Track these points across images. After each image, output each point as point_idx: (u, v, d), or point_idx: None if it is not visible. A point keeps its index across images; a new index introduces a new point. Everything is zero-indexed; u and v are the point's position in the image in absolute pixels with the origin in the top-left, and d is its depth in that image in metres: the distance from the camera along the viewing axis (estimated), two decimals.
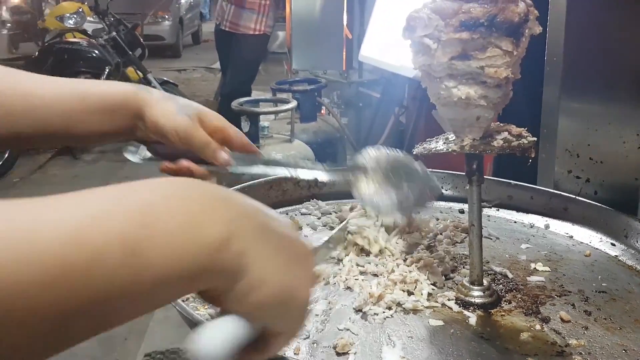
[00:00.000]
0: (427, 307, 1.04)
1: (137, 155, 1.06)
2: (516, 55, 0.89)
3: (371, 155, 1.04)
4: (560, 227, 1.39)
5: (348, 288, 1.10)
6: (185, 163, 1.01)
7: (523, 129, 1.04)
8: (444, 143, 1.06)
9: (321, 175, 1.08)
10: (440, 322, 1.00)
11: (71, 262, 0.42)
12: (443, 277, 1.14)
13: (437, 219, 1.42)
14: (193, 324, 0.93)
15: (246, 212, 0.55)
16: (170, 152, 1.02)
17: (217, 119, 1.03)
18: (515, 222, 1.45)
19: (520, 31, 0.88)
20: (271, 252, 0.55)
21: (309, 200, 1.52)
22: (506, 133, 1.00)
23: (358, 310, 1.03)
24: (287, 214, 1.47)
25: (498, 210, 1.49)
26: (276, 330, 0.58)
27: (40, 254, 0.41)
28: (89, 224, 0.45)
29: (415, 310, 1.03)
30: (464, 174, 1.06)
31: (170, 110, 0.97)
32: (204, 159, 1.00)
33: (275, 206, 1.46)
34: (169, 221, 0.48)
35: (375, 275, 1.14)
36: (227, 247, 0.51)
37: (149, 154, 1.06)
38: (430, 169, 1.54)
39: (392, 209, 1.02)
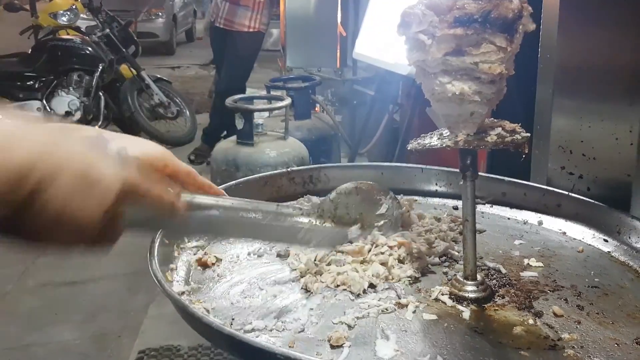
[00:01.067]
0: (420, 302, 1.05)
1: None
2: (510, 52, 0.90)
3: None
4: (554, 224, 1.40)
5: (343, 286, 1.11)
6: None
7: (517, 124, 1.05)
8: (438, 138, 1.06)
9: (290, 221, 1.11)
10: (434, 317, 1.00)
11: None
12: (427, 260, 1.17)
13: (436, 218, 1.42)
14: (188, 317, 0.93)
15: (48, 146, 0.64)
16: None
17: (164, 161, 0.94)
18: (509, 218, 1.45)
19: (514, 27, 0.89)
20: (67, 182, 0.65)
21: (303, 197, 1.52)
22: (500, 129, 1.01)
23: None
24: None
25: (492, 206, 1.49)
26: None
27: None
28: None
29: (408, 305, 1.03)
30: (457, 170, 1.06)
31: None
32: None
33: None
34: None
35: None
36: (28, 177, 0.61)
37: None
38: (425, 165, 1.56)
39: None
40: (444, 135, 1.06)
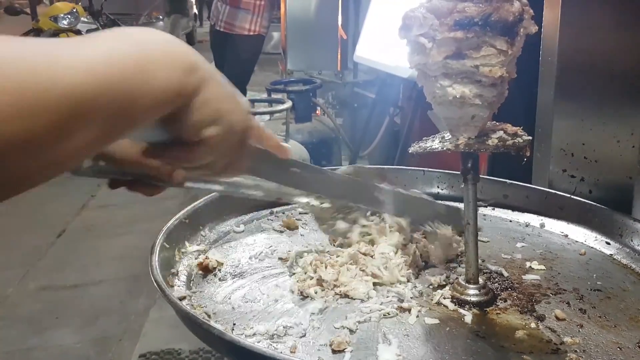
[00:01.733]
0: (422, 306, 1.04)
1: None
2: (511, 55, 0.90)
3: None
4: (556, 226, 1.40)
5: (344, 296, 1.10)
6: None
7: (519, 128, 1.04)
8: (440, 142, 1.06)
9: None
10: (436, 321, 1.00)
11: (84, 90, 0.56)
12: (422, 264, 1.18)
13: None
14: (189, 323, 0.93)
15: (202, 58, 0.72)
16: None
17: None
18: (510, 221, 1.45)
19: (514, 30, 0.89)
20: (220, 84, 0.74)
21: None
22: (502, 132, 1.01)
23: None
24: (283, 213, 1.47)
25: (494, 209, 1.49)
26: (211, 145, 0.75)
27: (69, 81, 0.55)
28: (104, 61, 0.59)
29: (410, 309, 1.03)
30: (459, 173, 1.06)
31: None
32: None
33: (272, 205, 1.47)
34: (153, 56, 0.64)
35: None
36: (194, 72, 0.69)
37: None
38: (427, 168, 1.56)
39: None
40: (446, 138, 1.06)
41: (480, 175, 1.49)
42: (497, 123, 1.06)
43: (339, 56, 5.30)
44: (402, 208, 1.22)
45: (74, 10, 7.46)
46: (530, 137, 1.01)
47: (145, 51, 0.64)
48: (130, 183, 0.91)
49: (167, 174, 0.91)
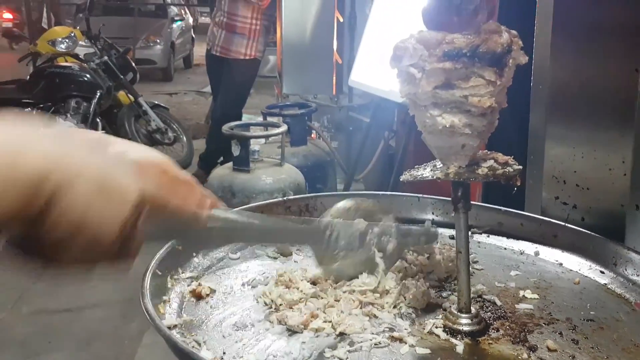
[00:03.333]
0: (414, 335, 1.03)
1: None
2: (500, 85, 0.90)
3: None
4: (550, 254, 1.38)
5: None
6: None
7: (510, 157, 1.04)
8: (431, 170, 1.06)
9: None
10: (428, 351, 0.99)
11: None
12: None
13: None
14: (177, 351, 0.92)
15: (60, 155, 0.62)
16: None
17: (163, 168, 0.87)
18: (505, 248, 1.44)
19: (503, 61, 0.89)
20: (89, 181, 0.62)
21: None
22: (492, 161, 1.01)
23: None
24: None
25: (488, 236, 1.48)
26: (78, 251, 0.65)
27: None
28: None
29: (402, 339, 1.02)
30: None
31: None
32: None
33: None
34: None
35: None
36: (41, 187, 0.59)
37: None
38: (422, 195, 1.55)
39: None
40: (438, 166, 1.06)
41: (475, 202, 1.50)
42: (489, 152, 1.06)
43: (334, 80, 5.32)
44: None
45: (72, 34, 7.50)
46: (520, 167, 1.01)
47: None
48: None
49: None
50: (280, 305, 1.11)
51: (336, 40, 5.29)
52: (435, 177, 1.01)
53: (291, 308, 1.10)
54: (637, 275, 1.22)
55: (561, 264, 1.35)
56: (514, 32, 0.94)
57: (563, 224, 1.40)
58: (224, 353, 0.98)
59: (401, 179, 1.08)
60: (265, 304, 1.14)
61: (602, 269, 1.29)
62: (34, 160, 0.59)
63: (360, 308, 1.11)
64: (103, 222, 0.64)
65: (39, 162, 0.59)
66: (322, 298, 1.13)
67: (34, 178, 0.59)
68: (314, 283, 1.18)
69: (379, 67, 3.25)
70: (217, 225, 0.93)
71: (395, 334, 1.03)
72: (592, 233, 1.34)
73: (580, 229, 1.37)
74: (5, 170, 0.58)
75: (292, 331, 1.04)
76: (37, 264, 0.68)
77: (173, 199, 0.75)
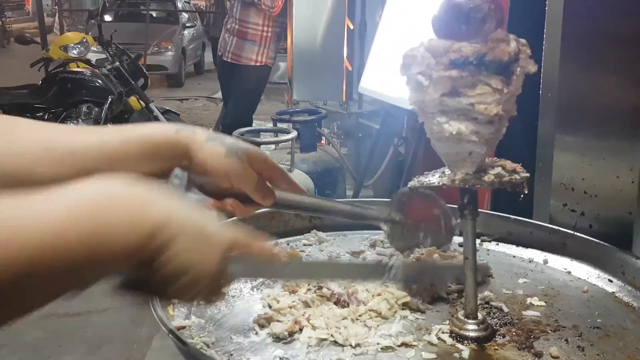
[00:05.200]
0: (420, 340, 1.04)
1: (181, 184, 1.01)
2: (507, 93, 0.90)
3: None
4: (559, 263, 1.38)
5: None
6: (230, 203, 1.03)
7: (518, 164, 1.04)
8: (440, 176, 1.06)
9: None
10: (434, 355, 1.00)
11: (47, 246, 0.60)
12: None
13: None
14: (185, 352, 0.93)
15: (172, 209, 0.73)
16: (216, 189, 1.01)
17: (264, 158, 1.03)
18: (514, 256, 1.44)
19: (510, 70, 0.89)
20: (191, 236, 0.73)
21: (310, 232, 1.52)
22: (500, 168, 1.01)
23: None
24: (287, 244, 1.47)
25: (498, 244, 1.48)
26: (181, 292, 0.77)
27: (24, 241, 0.59)
28: (62, 222, 0.62)
29: (408, 344, 1.02)
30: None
31: (219, 152, 0.96)
32: (252, 199, 1.02)
33: (276, 236, 1.47)
34: (112, 217, 0.66)
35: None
36: (159, 234, 0.68)
37: (193, 190, 1.03)
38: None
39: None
40: (445, 173, 1.06)
41: (485, 210, 1.50)
42: (497, 159, 1.06)
43: (344, 87, 5.33)
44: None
45: (84, 40, 7.54)
46: (528, 174, 1.01)
47: (106, 209, 0.66)
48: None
49: (262, 195, 1.02)
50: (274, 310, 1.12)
51: (346, 47, 5.30)
52: (441, 184, 1.01)
53: (279, 313, 1.12)
54: None
55: (570, 272, 1.35)
56: (522, 40, 0.95)
57: (572, 232, 1.40)
58: (231, 354, 0.99)
59: (409, 185, 1.09)
60: (270, 306, 1.15)
61: (611, 278, 1.29)
62: (158, 211, 0.70)
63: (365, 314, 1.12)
64: (201, 264, 0.75)
65: (161, 213, 0.70)
66: (319, 305, 1.14)
67: (155, 225, 0.69)
68: (320, 287, 1.19)
69: (389, 75, 3.25)
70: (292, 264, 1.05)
71: (402, 339, 1.03)
72: (601, 242, 1.34)
73: (589, 238, 1.37)
74: (137, 213, 0.68)
75: (298, 335, 1.05)
76: (146, 299, 0.83)
77: (256, 244, 0.86)
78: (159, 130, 0.97)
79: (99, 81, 6.56)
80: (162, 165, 0.96)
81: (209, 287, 0.79)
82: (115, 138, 0.95)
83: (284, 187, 1.07)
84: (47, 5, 19.05)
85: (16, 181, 0.87)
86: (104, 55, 6.98)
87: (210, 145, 0.97)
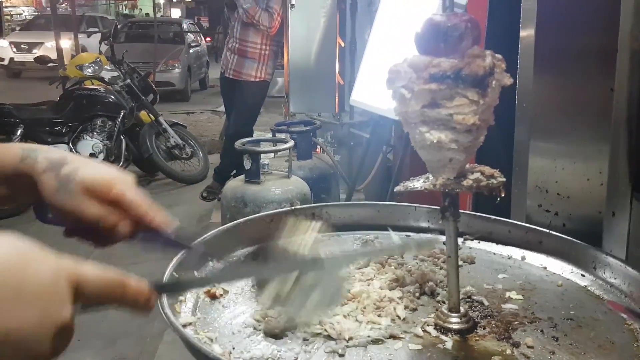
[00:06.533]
0: (407, 332, 1.03)
1: (44, 215, 0.91)
2: (484, 104, 0.90)
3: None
4: (536, 259, 1.38)
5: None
6: (77, 238, 0.88)
7: (496, 170, 1.04)
8: (423, 181, 1.06)
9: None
10: (419, 347, 0.99)
11: None
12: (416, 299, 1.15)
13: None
14: (189, 346, 0.92)
15: None
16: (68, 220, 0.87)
17: (107, 186, 0.85)
18: (494, 253, 1.43)
19: (485, 83, 0.89)
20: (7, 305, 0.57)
21: None
22: (479, 173, 1.01)
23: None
24: None
25: (479, 242, 1.47)
26: None
27: None
28: None
29: (396, 336, 1.02)
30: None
31: (51, 187, 0.83)
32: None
33: (275, 238, 1.45)
34: None
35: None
36: None
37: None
38: (418, 205, 1.55)
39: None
40: (429, 178, 1.06)
41: (468, 211, 1.50)
42: (477, 165, 1.06)
43: (336, 100, 5.33)
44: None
45: (98, 59, 7.54)
46: (504, 179, 1.01)
47: None
48: (84, 233, 0.86)
49: (112, 225, 0.84)
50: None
51: (338, 63, 5.30)
52: (423, 188, 1.01)
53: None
54: (615, 278, 1.21)
55: (545, 268, 1.34)
56: (498, 56, 0.94)
57: (547, 231, 1.39)
58: (233, 348, 0.98)
59: (395, 190, 1.08)
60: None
61: (583, 273, 1.28)
62: None
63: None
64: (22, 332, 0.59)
65: None
66: None
67: None
68: None
69: (377, 88, 3.25)
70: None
71: (390, 332, 1.03)
72: (574, 240, 1.33)
73: (564, 236, 1.36)
74: None
75: (296, 329, 1.04)
76: None
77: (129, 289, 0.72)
78: (8, 156, 0.85)
79: (112, 97, 6.56)
80: (16, 193, 0.86)
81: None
82: None
83: (137, 217, 0.87)
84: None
85: None
86: (116, 73, 6.99)
87: (45, 177, 0.84)
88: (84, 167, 0.85)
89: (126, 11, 30.52)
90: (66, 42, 14.27)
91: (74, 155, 0.88)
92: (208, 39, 16.32)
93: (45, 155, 0.86)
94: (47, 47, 15.50)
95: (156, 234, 0.87)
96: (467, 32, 0.90)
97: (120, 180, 0.86)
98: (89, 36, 12.78)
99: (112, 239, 0.87)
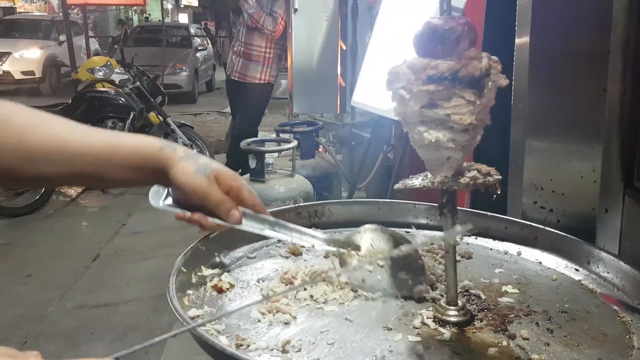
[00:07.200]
0: (407, 325, 1.03)
1: (158, 199, 1.04)
2: (480, 104, 0.90)
3: (369, 237, 1.12)
4: (531, 254, 1.37)
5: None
6: (196, 216, 1.02)
7: (492, 168, 1.04)
8: (422, 179, 1.06)
9: (318, 244, 1.12)
10: (418, 338, 0.98)
11: None
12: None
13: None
14: (196, 338, 0.92)
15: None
16: (190, 203, 1.02)
17: (233, 179, 1.02)
18: (491, 249, 1.43)
19: (481, 84, 0.89)
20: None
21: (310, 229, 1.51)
22: (476, 171, 1.00)
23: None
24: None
25: (476, 238, 1.47)
26: None
27: None
28: None
29: (395, 328, 1.02)
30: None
31: (190, 170, 0.96)
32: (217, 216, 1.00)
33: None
34: None
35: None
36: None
37: (169, 200, 1.05)
38: (417, 202, 1.55)
39: (376, 290, 1.09)
40: (427, 176, 1.06)
41: (465, 208, 1.50)
42: (474, 163, 1.06)
43: (338, 101, 5.33)
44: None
45: (109, 63, 7.56)
46: (500, 177, 1.00)
47: None
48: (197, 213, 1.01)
49: (225, 211, 0.99)
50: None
51: (340, 65, 5.31)
52: (422, 186, 1.01)
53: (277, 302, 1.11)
54: (607, 272, 1.21)
55: (540, 263, 1.34)
56: (494, 57, 0.94)
57: (543, 227, 1.39)
58: (239, 337, 0.98)
59: (394, 187, 1.08)
60: (267, 296, 1.14)
61: (577, 267, 1.28)
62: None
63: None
64: None
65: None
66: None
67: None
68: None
69: (377, 89, 3.25)
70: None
71: (390, 324, 1.03)
72: (569, 235, 1.33)
73: (558, 232, 1.36)
74: None
75: (298, 322, 1.05)
76: None
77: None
78: (147, 144, 0.98)
79: (122, 99, 6.58)
80: (144, 176, 0.97)
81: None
82: (108, 145, 0.95)
83: (250, 208, 1.06)
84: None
85: (3, 175, 0.87)
86: (126, 76, 7.01)
87: (184, 162, 0.97)
88: (214, 162, 1.03)
89: (135, 17, 30.55)
90: (35, 52, 13.45)
91: (200, 155, 1.04)
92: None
93: (182, 147, 1.01)
94: (15, 58, 13.57)
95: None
96: (464, 35, 0.90)
97: (239, 176, 1.04)
98: (60, 44, 12.61)
99: (219, 223, 1.02)
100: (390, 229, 1.21)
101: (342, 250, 1.15)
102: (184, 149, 1.01)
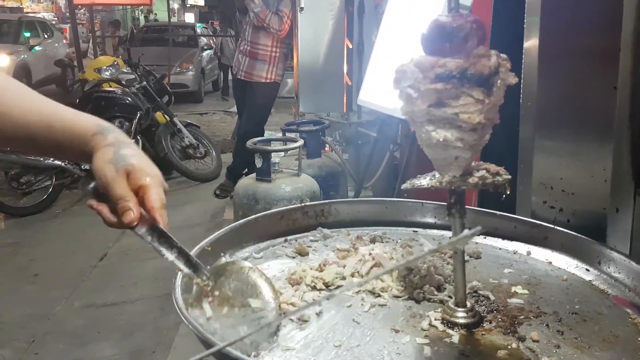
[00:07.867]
0: (415, 327, 1.02)
1: (87, 183, 0.98)
2: (489, 103, 0.88)
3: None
4: (541, 254, 1.35)
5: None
6: (100, 207, 0.94)
7: (501, 167, 1.02)
8: (430, 179, 1.05)
9: (180, 266, 0.99)
10: (426, 340, 0.97)
11: None
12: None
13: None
14: (200, 340, 0.91)
15: None
16: (102, 192, 0.94)
17: (144, 177, 0.93)
18: (500, 249, 1.41)
19: (490, 82, 0.87)
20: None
21: (316, 229, 1.50)
22: (484, 171, 0.99)
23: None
24: (296, 240, 1.45)
25: (485, 237, 1.46)
26: None
27: None
28: None
29: (403, 330, 1.00)
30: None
31: (105, 158, 0.93)
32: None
33: (285, 234, 1.44)
34: None
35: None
36: None
37: (92, 185, 0.97)
38: (425, 201, 1.53)
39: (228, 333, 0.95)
40: (435, 176, 1.05)
41: (474, 207, 1.48)
42: (482, 163, 1.04)
43: (344, 100, 5.31)
44: None
45: (115, 62, 7.57)
46: (509, 177, 0.99)
47: None
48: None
49: (121, 208, 0.92)
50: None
51: (346, 64, 5.28)
52: (430, 186, 0.99)
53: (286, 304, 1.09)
54: (619, 273, 1.19)
55: (550, 263, 1.32)
56: (503, 55, 0.93)
57: (553, 226, 1.37)
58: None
59: (402, 187, 1.07)
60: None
61: (588, 267, 1.26)
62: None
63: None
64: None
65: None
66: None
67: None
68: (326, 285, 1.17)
69: (384, 88, 3.23)
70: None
71: (398, 326, 1.01)
72: (579, 235, 1.31)
73: (569, 232, 1.34)
74: None
75: (302, 320, 1.03)
76: None
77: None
78: (82, 125, 0.97)
79: (129, 99, 6.59)
80: (74, 155, 0.97)
81: None
82: (42, 120, 0.97)
83: (146, 210, 0.94)
84: (82, 32, 19.07)
85: None
86: (132, 76, 7.01)
87: (105, 149, 0.94)
88: (137, 156, 0.96)
89: (141, 17, 30.61)
90: (4, 59, 11.56)
91: (138, 148, 0.99)
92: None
93: (115, 134, 0.97)
94: None
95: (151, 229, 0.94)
96: (472, 33, 0.89)
97: (155, 176, 0.96)
98: (30, 48, 12.37)
99: (119, 220, 0.93)
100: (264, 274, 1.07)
101: (197, 280, 1.01)
102: (117, 136, 0.97)
